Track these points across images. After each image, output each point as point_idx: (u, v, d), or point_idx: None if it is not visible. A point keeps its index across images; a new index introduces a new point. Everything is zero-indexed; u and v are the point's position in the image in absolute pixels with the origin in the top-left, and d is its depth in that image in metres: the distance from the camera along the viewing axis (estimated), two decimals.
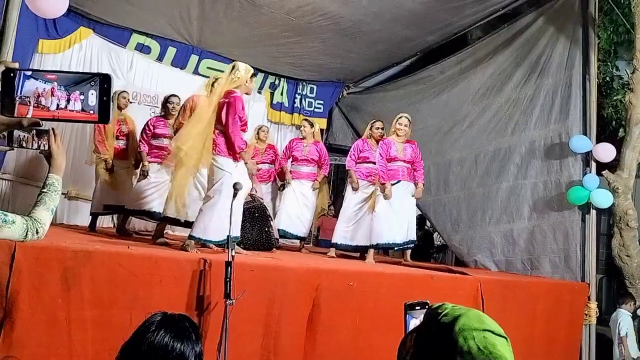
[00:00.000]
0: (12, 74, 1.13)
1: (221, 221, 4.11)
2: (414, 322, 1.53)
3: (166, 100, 5.77)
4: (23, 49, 5.39)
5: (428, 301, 1.60)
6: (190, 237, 4.22)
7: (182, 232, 5.56)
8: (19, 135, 1.62)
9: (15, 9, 2.88)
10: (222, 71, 7.95)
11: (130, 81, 7.26)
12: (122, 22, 6.97)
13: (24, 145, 1.63)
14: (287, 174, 6.44)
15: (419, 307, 1.59)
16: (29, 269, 2.78)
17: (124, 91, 6.04)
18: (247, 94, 4.62)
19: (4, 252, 2.68)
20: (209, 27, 6.99)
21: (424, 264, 6.18)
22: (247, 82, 4.48)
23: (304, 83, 8.99)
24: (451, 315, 1.11)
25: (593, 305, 5.71)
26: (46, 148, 1.67)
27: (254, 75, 4.66)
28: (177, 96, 5.77)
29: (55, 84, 1.14)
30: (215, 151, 4.29)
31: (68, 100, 1.14)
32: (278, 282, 3.64)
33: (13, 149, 1.64)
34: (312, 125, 6.56)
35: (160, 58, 7.46)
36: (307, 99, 9.07)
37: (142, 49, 7.31)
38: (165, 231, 5.69)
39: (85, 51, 6.90)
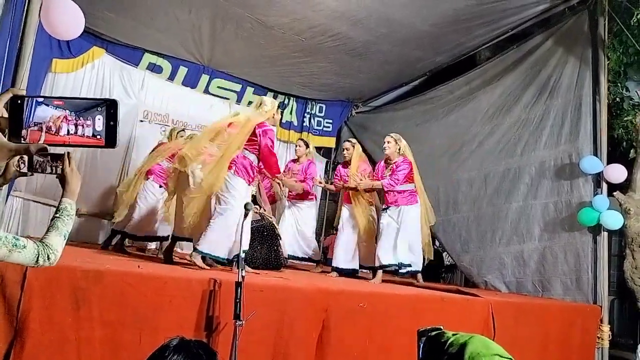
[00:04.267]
0: (19, 101, 1.14)
1: (226, 238, 4.36)
2: None
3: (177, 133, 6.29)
4: (37, 69, 5.47)
5: (442, 327, 1.58)
6: (195, 250, 4.41)
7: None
8: (37, 160, 1.64)
9: (32, 31, 2.93)
10: (232, 91, 8.12)
11: (142, 100, 7.33)
12: (134, 42, 7.07)
13: (39, 170, 1.65)
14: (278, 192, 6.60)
15: (434, 333, 1.57)
16: (40, 288, 2.78)
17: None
18: (273, 125, 4.86)
19: (16, 272, 2.69)
20: (220, 48, 7.07)
21: (434, 285, 6.14)
22: (274, 115, 4.82)
23: (313, 102, 9.05)
24: (456, 344, 1.11)
25: (606, 328, 5.63)
26: (60, 172, 1.67)
27: (279, 107, 5.02)
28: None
29: (64, 109, 1.15)
30: (233, 171, 4.54)
31: (77, 126, 1.15)
32: (288, 302, 3.61)
33: (33, 175, 1.66)
34: (307, 145, 6.59)
35: (171, 77, 7.54)
36: (316, 118, 9.12)
37: (154, 68, 7.40)
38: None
39: (98, 70, 6.98)
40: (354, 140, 6.50)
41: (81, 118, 1.15)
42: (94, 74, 6.95)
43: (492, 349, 1.10)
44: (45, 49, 5.81)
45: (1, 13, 4.05)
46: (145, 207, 5.88)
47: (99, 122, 1.16)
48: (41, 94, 1.21)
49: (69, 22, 3.69)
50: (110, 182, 7.02)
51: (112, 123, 1.16)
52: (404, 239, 5.65)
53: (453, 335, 1.17)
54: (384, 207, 5.85)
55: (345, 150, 6.25)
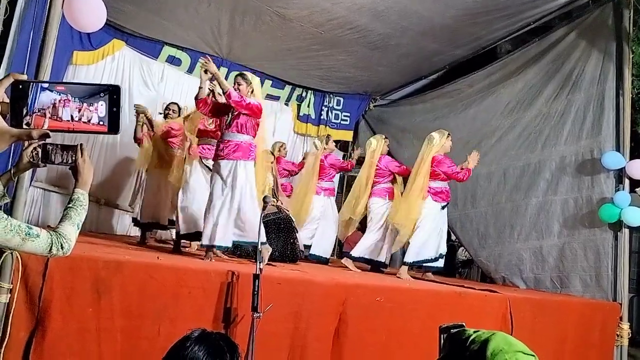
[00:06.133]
0: (20, 86, 1.14)
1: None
2: None
3: (166, 107, 6.12)
4: (58, 60, 5.50)
5: (464, 323, 1.57)
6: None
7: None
8: (49, 150, 1.65)
9: (55, 23, 2.95)
10: None
11: (161, 93, 7.37)
12: (154, 35, 7.10)
13: (51, 161, 1.66)
14: None
15: (454, 330, 1.55)
16: (62, 278, 2.82)
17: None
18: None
19: (37, 262, 2.73)
20: (239, 40, 7.07)
21: (451, 280, 6.13)
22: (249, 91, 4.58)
23: (331, 95, 9.01)
24: (478, 341, 1.10)
25: (625, 326, 5.56)
26: (73, 163, 1.68)
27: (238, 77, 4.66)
28: (176, 103, 6.18)
29: (67, 95, 1.15)
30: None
31: (80, 111, 1.15)
32: (305, 295, 3.62)
33: (46, 166, 1.67)
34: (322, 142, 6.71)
35: (190, 70, 7.56)
36: (334, 112, 9.09)
37: (173, 61, 7.43)
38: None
39: (118, 63, 7.02)
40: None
41: (85, 104, 1.14)
42: (114, 66, 7.00)
43: (515, 346, 1.09)
44: (66, 41, 5.85)
45: (24, 4, 4.10)
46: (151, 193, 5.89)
47: (102, 108, 1.15)
48: (44, 80, 1.21)
49: (91, 15, 3.71)
50: (129, 173, 7.08)
51: (114, 109, 1.16)
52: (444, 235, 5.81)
53: (474, 332, 1.15)
54: (445, 204, 5.77)
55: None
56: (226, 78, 7.77)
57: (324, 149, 6.58)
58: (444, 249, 5.77)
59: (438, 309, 4.21)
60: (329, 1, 5.88)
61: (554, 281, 6.15)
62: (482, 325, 1.55)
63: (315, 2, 5.92)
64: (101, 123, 1.16)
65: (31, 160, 1.68)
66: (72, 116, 1.15)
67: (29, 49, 3.47)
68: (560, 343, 5.00)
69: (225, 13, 6.33)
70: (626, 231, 5.75)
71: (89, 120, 1.15)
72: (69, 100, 1.15)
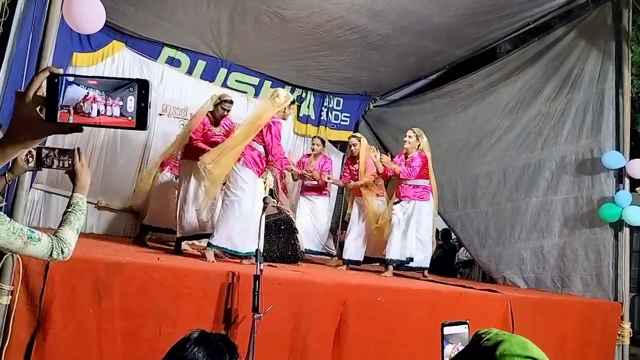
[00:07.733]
0: (56, 80, 1.13)
1: (238, 231, 4.43)
2: (450, 347, 1.51)
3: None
4: (58, 62, 5.47)
5: (467, 321, 1.57)
6: (209, 245, 4.47)
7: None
8: (45, 154, 1.64)
9: (54, 25, 2.95)
10: (250, 84, 8.12)
11: (161, 94, 7.36)
12: (153, 36, 7.08)
13: (47, 164, 1.64)
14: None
15: (455, 325, 1.56)
16: (62, 279, 2.82)
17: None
18: (283, 119, 4.81)
19: (38, 263, 2.73)
20: (238, 41, 7.07)
21: (452, 280, 6.12)
22: (285, 109, 4.76)
23: (331, 96, 9.00)
24: (493, 340, 1.09)
25: (626, 325, 5.56)
26: (70, 167, 1.67)
27: (293, 102, 4.92)
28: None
29: (96, 90, 1.14)
30: (242, 163, 4.57)
31: (107, 106, 1.14)
32: (305, 296, 3.62)
33: (41, 170, 1.66)
34: (323, 143, 6.97)
35: (190, 71, 7.55)
36: (334, 112, 9.08)
37: (173, 62, 7.41)
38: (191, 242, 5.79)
39: (117, 64, 7.01)
40: (359, 135, 6.69)
41: (110, 98, 1.13)
42: (113, 68, 6.98)
43: (529, 351, 1.05)
44: (65, 42, 5.84)
45: (23, 6, 4.10)
46: (160, 198, 5.90)
47: (130, 103, 1.14)
48: (74, 74, 1.19)
49: (91, 16, 3.72)
50: (130, 176, 7.08)
51: (142, 104, 1.14)
52: (416, 234, 5.71)
53: (496, 332, 1.13)
54: (395, 200, 5.86)
55: (352, 146, 6.39)
56: (225, 79, 7.84)
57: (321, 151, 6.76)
58: (409, 250, 5.67)
59: (439, 309, 4.21)
60: (328, 2, 5.88)
61: (554, 281, 6.15)
62: (483, 325, 1.55)
63: (314, 3, 5.92)
64: (130, 118, 1.14)
65: (26, 164, 1.67)
66: (98, 111, 1.14)
67: (28, 50, 3.48)
68: (561, 343, 4.99)
69: (224, 14, 6.33)
70: (627, 230, 5.75)
71: (116, 115, 1.14)
72: (97, 95, 1.14)
